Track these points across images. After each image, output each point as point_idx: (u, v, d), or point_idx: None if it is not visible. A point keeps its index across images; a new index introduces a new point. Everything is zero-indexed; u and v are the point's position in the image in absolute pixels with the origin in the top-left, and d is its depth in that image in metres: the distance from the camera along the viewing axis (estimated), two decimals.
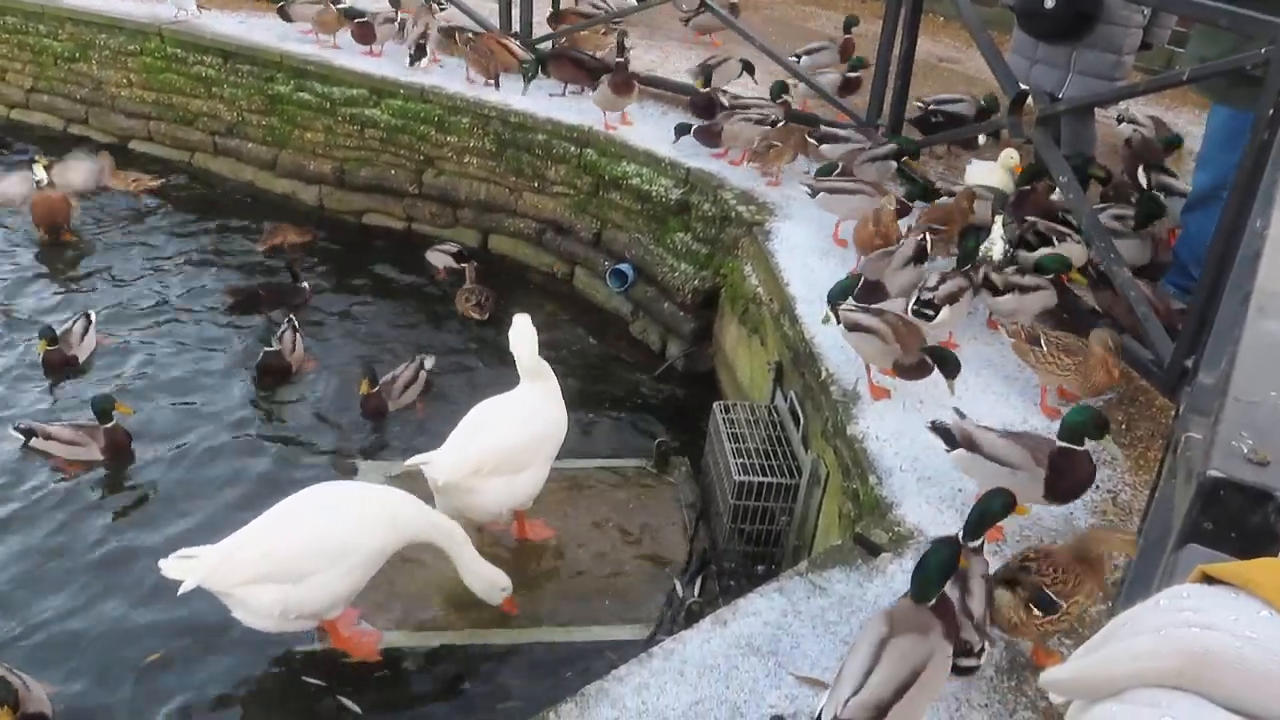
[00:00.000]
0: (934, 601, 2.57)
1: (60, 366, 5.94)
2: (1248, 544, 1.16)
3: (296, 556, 3.70)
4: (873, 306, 4.24)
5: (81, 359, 6.06)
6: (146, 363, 6.18)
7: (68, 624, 4.28)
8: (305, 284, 6.96)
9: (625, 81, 6.75)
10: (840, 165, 5.83)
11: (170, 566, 3.68)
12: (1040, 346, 4.10)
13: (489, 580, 4.03)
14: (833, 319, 4.21)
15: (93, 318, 6.27)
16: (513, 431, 4.31)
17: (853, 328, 4.12)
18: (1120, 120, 6.83)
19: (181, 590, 3.65)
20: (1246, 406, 1.30)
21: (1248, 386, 1.34)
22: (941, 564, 2.58)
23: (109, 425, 5.20)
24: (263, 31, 8.56)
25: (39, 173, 7.29)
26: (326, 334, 6.67)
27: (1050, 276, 4.44)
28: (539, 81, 7.49)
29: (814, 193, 5.51)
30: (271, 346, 5.96)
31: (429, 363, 6.08)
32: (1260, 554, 1.03)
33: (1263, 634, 0.79)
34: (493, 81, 7.57)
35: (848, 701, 2.41)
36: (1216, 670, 0.78)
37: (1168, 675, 0.80)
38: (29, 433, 5.28)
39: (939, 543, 2.64)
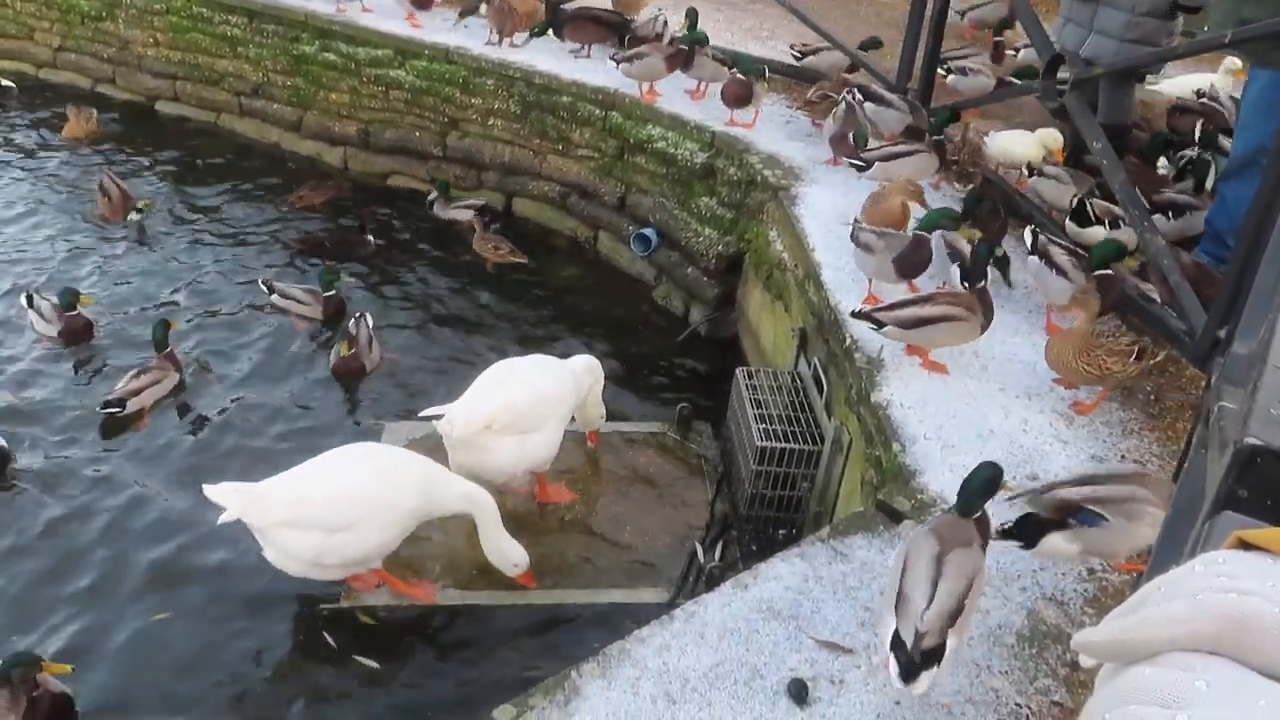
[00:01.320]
0: (977, 514, 2.75)
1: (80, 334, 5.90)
2: None
3: (334, 507, 3.77)
4: (907, 298, 4.13)
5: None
6: (188, 320, 6.23)
7: (79, 583, 4.32)
8: (370, 236, 7.11)
9: (677, 54, 6.57)
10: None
11: (214, 491, 3.76)
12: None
13: (505, 555, 4.07)
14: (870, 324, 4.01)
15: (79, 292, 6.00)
16: (526, 390, 4.36)
17: (917, 324, 3.94)
18: (1199, 95, 6.72)
19: (221, 519, 3.76)
20: None
21: None
22: (984, 483, 2.78)
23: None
24: None
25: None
26: (362, 294, 6.72)
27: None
28: (563, 44, 7.41)
29: (867, 165, 5.32)
30: (332, 292, 6.22)
31: (369, 319, 5.94)
32: None
33: None
34: (509, 39, 7.47)
35: (924, 614, 2.49)
36: (1254, 636, 0.78)
37: (1205, 640, 0.80)
38: (120, 403, 5.16)
39: (983, 466, 2.80)
